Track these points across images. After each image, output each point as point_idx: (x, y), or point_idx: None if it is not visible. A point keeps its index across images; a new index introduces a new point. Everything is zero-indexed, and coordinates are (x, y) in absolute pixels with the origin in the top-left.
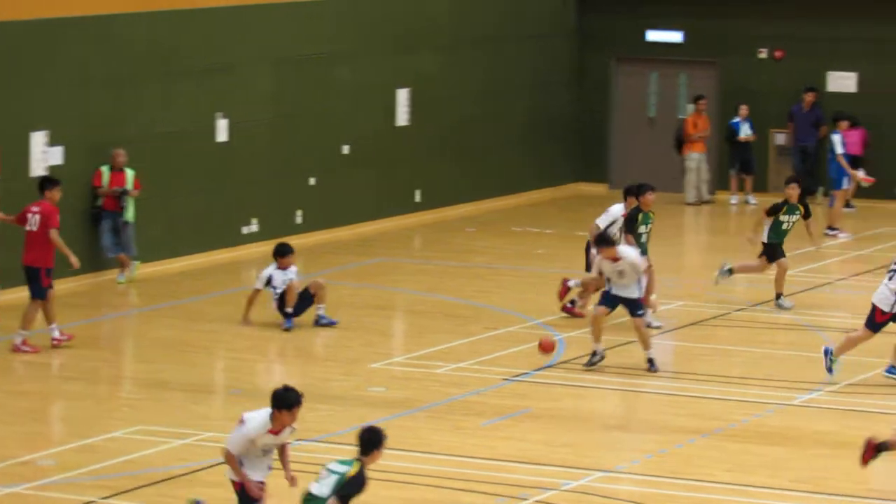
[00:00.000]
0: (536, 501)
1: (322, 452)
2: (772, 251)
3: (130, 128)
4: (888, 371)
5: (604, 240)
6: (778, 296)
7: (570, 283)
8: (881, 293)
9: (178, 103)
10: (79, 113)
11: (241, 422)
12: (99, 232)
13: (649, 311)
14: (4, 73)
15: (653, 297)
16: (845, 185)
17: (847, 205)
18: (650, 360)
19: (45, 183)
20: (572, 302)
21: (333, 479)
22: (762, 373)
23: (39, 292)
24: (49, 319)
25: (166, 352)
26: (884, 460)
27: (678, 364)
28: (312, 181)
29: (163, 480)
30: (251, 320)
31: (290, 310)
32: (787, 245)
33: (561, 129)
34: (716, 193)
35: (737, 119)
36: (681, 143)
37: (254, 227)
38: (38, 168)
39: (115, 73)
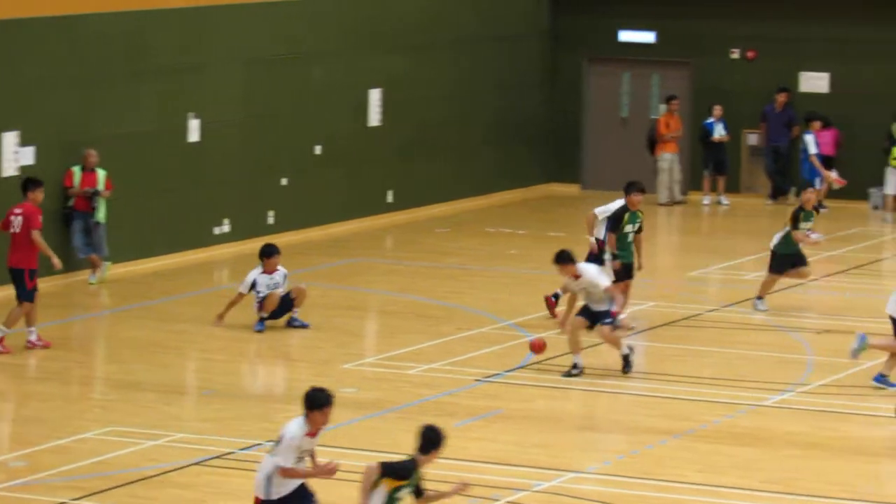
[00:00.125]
0: (508, 502)
1: None
2: (801, 258)
3: (102, 128)
4: (877, 379)
5: (562, 257)
6: (759, 298)
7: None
8: (893, 303)
9: (149, 103)
10: (50, 113)
11: (281, 438)
12: (70, 232)
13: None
14: None
15: (623, 317)
16: (818, 185)
17: (820, 205)
18: (625, 358)
19: (28, 184)
20: (556, 295)
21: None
22: (734, 374)
23: (25, 295)
24: (29, 322)
25: (138, 352)
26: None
27: (650, 365)
28: (284, 181)
29: (135, 481)
30: (224, 322)
31: (265, 314)
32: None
33: (533, 129)
34: (688, 194)
35: (711, 119)
36: (653, 143)
37: (225, 227)
38: (9, 168)
39: (86, 74)
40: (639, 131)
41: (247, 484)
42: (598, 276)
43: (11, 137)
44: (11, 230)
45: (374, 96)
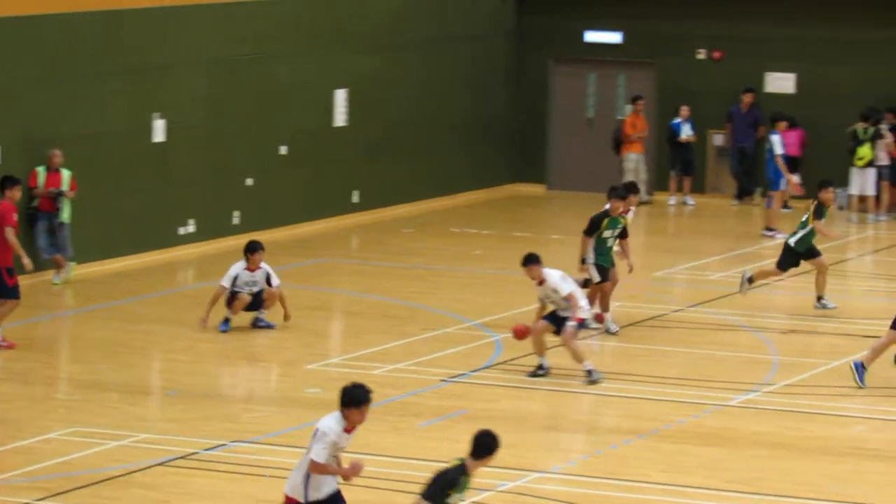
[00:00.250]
0: (472, 502)
1: (258, 454)
2: (812, 252)
3: (66, 128)
4: (855, 365)
5: (530, 258)
6: (820, 298)
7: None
8: None
9: (114, 104)
10: (15, 113)
11: (316, 431)
12: (34, 233)
13: (608, 316)
14: None
15: (595, 310)
16: (783, 186)
17: (784, 206)
18: (588, 372)
19: (6, 182)
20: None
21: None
22: (699, 374)
23: (6, 292)
24: None
25: (102, 353)
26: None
27: (615, 365)
28: (250, 182)
29: (99, 482)
30: (207, 324)
31: (231, 314)
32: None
33: (499, 129)
34: (654, 194)
35: (678, 120)
36: (619, 143)
37: (191, 227)
38: None
39: (51, 74)
40: (604, 131)
41: (211, 484)
42: (560, 282)
43: None
44: None
45: (340, 96)
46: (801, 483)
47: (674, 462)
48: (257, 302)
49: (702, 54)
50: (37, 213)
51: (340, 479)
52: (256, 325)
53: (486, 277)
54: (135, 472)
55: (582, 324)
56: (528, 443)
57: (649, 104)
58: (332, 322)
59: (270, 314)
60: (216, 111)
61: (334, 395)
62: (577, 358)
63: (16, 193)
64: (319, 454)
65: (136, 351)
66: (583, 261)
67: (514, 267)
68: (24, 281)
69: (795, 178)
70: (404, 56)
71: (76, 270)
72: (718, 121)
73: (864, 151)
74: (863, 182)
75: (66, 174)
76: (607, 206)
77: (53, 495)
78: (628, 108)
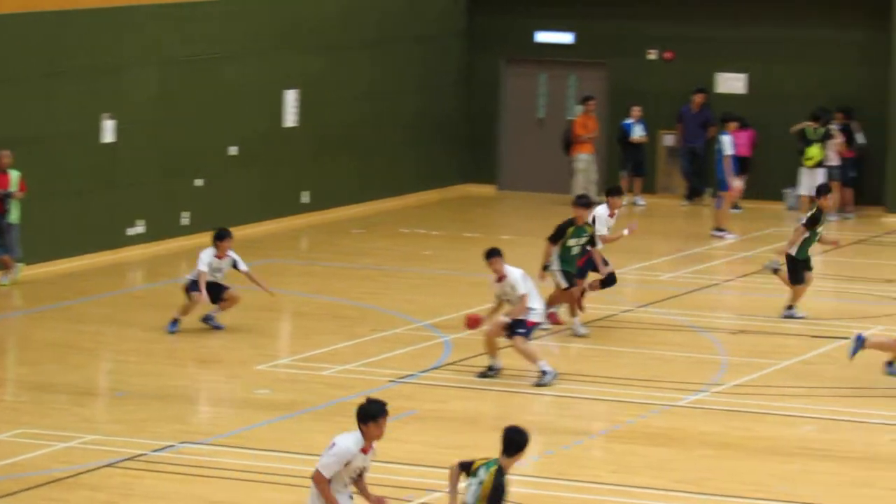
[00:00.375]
0: (422, 503)
1: (207, 455)
2: (806, 265)
3: (15, 129)
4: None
5: (493, 251)
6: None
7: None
8: None
9: (63, 104)
10: None
11: (332, 445)
12: None
13: (576, 320)
14: None
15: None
16: (741, 184)
17: (734, 206)
18: (542, 372)
19: None
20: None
21: (475, 486)
22: (648, 374)
23: None
24: None
25: (50, 354)
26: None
27: (564, 365)
28: (199, 182)
29: (46, 483)
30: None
31: (182, 316)
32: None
33: (449, 129)
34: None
35: (629, 120)
36: (569, 144)
37: (139, 228)
38: None
39: (1, 74)
40: (555, 132)
41: (159, 485)
42: (519, 281)
43: None
44: None
45: (290, 97)
46: (749, 483)
47: (623, 462)
48: (216, 297)
49: (653, 55)
50: None
51: None
52: (206, 321)
53: (436, 278)
54: (82, 473)
55: (532, 328)
56: (478, 444)
57: (600, 104)
58: (281, 323)
59: (222, 316)
60: (166, 112)
61: (283, 396)
62: (531, 359)
63: None
64: (325, 465)
65: (85, 352)
66: (545, 267)
67: (465, 268)
68: None
69: (738, 183)
70: (355, 56)
71: (24, 271)
72: (669, 121)
73: (814, 152)
74: (812, 182)
75: (14, 175)
76: (603, 207)
77: (0, 497)
78: (579, 108)
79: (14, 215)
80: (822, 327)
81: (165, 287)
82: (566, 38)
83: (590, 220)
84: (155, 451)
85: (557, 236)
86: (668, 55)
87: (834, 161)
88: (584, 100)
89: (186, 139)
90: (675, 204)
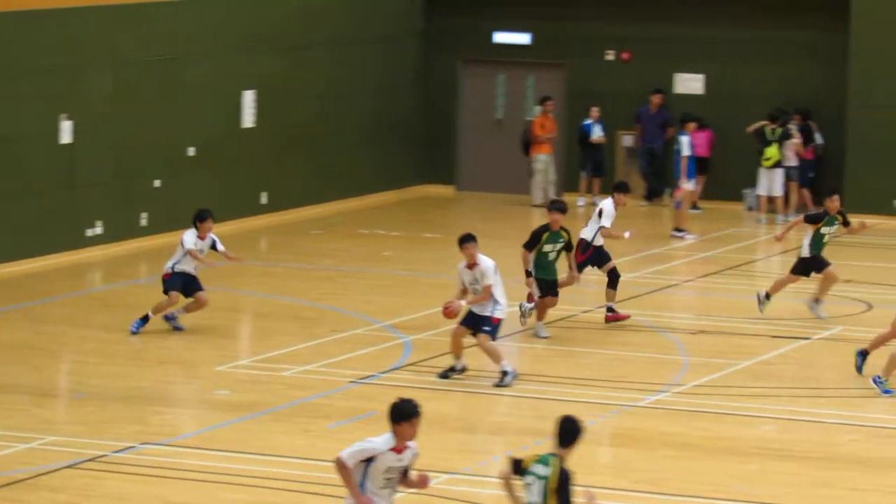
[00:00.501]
0: None
1: (168, 456)
2: (814, 264)
3: None
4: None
5: (469, 236)
6: (817, 300)
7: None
8: None
9: (21, 105)
10: None
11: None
12: None
13: (540, 324)
14: None
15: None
16: (692, 186)
17: (693, 206)
18: (503, 373)
19: None
20: (609, 309)
21: (540, 485)
22: (609, 374)
23: None
24: None
25: (9, 355)
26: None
27: (525, 366)
28: (157, 183)
29: (6, 485)
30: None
31: (153, 314)
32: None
33: (408, 130)
34: (563, 195)
35: (588, 121)
36: (528, 144)
37: (98, 229)
38: None
39: None
40: (513, 132)
41: (120, 487)
42: (490, 270)
43: None
44: None
45: (248, 97)
46: (708, 483)
47: (584, 463)
48: (189, 291)
49: (611, 55)
50: None
51: None
52: (168, 320)
53: (396, 279)
54: (43, 474)
55: (498, 325)
56: (438, 444)
57: (558, 105)
58: (241, 324)
59: (184, 317)
60: (124, 112)
61: (243, 397)
62: (495, 359)
63: None
64: (348, 451)
65: (44, 353)
66: (528, 273)
67: (424, 268)
68: None
69: (688, 185)
70: (312, 57)
71: None
72: (627, 122)
73: (772, 152)
74: (770, 183)
75: None
76: (609, 202)
77: None
78: (537, 108)
79: None
80: (781, 328)
81: (125, 288)
82: (524, 38)
83: (596, 212)
84: (116, 452)
85: (533, 242)
86: (625, 56)
87: (792, 161)
88: (542, 100)
89: (144, 140)
90: (634, 204)
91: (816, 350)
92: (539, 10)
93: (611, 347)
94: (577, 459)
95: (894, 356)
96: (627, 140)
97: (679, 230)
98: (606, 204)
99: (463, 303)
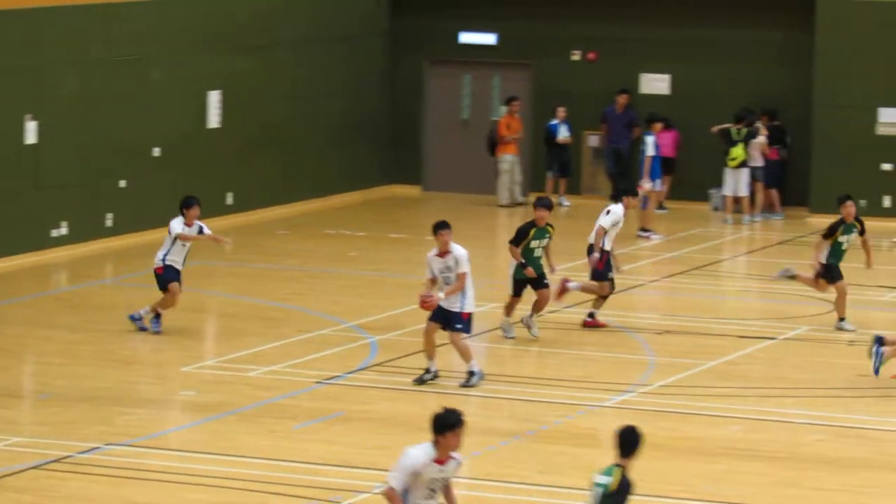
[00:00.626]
0: None
1: (133, 457)
2: (831, 272)
3: None
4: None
5: (444, 223)
6: (841, 319)
7: (570, 286)
8: None
9: None
10: None
11: (403, 455)
12: None
13: (534, 318)
14: None
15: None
16: (657, 186)
17: (660, 206)
18: (470, 373)
19: None
20: (591, 314)
21: (598, 492)
22: (575, 374)
23: None
24: None
25: None
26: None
27: (491, 366)
28: (123, 184)
29: None
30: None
31: (160, 311)
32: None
33: (374, 130)
34: (529, 195)
35: (555, 121)
36: (494, 144)
37: (63, 230)
38: None
39: None
40: (480, 133)
41: (85, 488)
42: (465, 259)
43: None
44: None
45: (214, 98)
46: (675, 483)
47: (551, 463)
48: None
49: (577, 55)
50: None
51: None
52: (133, 320)
53: (362, 279)
54: (7, 476)
55: (469, 320)
56: (404, 444)
57: (524, 105)
58: (207, 324)
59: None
60: (89, 113)
61: (209, 398)
62: (465, 358)
63: None
64: (392, 476)
65: (8, 354)
66: (523, 265)
67: (390, 268)
68: None
69: (647, 185)
70: (278, 57)
71: None
72: (593, 122)
73: (737, 152)
74: (736, 183)
75: None
76: (619, 207)
77: None
78: (503, 109)
79: None
80: (747, 328)
81: (91, 288)
82: (490, 38)
83: (604, 212)
84: (81, 452)
85: (519, 239)
86: (591, 56)
87: (757, 161)
88: (508, 101)
89: (110, 140)
90: (600, 204)
91: (782, 350)
92: (505, 10)
93: (577, 347)
94: (545, 460)
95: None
96: (593, 140)
97: (645, 230)
98: (616, 207)
99: (441, 294)
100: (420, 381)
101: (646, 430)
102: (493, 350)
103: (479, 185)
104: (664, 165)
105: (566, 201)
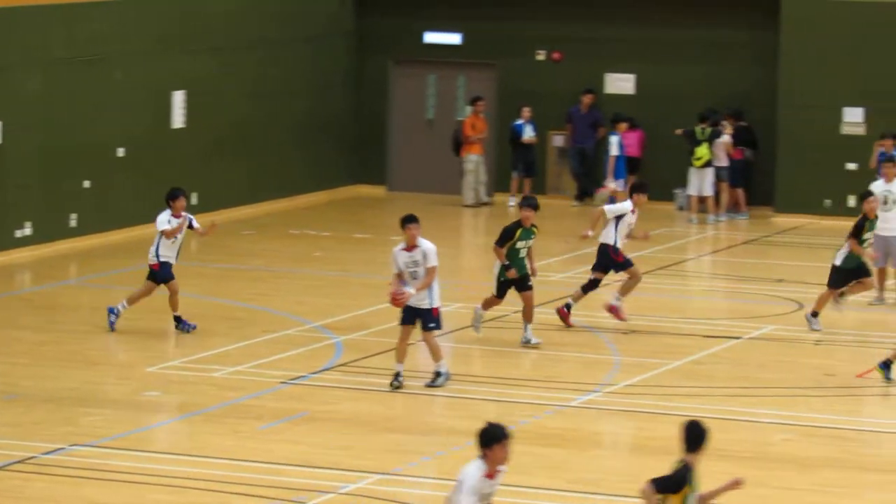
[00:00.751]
0: None
1: (98, 457)
2: (852, 275)
3: None
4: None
5: (412, 217)
6: (841, 293)
7: (615, 304)
8: None
9: None
10: None
11: (460, 482)
12: None
13: (528, 327)
14: None
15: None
16: (622, 186)
17: None
18: (437, 374)
19: None
20: (567, 306)
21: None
22: (541, 374)
23: None
24: None
25: None
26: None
27: (456, 366)
28: (87, 184)
29: None
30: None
31: (174, 311)
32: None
33: (338, 130)
34: (493, 195)
35: (520, 121)
36: (459, 144)
37: (27, 230)
38: None
39: None
40: (445, 133)
41: (50, 488)
42: (433, 253)
43: None
44: None
45: (178, 98)
46: (640, 482)
47: (517, 463)
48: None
49: (541, 55)
50: None
51: None
52: (110, 312)
53: (327, 279)
54: None
55: (439, 317)
56: (368, 444)
57: (489, 105)
58: (171, 324)
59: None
60: (52, 113)
61: (174, 399)
62: (435, 357)
63: None
64: (466, 501)
65: None
66: (507, 267)
67: (356, 269)
68: None
69: (612, 185)
70: (242, 57)
71: None
72: (558, 122)
73: (702, 152)
74: (700, 182)
75: None
76: (628, 203)
77: None
78: (468, 109)
79: None
80: (713, 327)
81: (55, 289)
82: (454, 38)
83: (611, 198)
84: (45, 453)
85: (504, 240)
86: (556, 56)
87: (722, 161)
88: (473, 100)
89: (73, 140)
90: (565, 204)
91: (747, 349)
92: (470, 10)
93: (542, 347)
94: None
95: None
96: (559, 140)
97: None
98: (625, 202)
99: (411, 290)
100: (399, 386)
101: (612, 429)
102: (459, 350)
103: (444, 185)
104: (629, 165)
105: (513, 201)
